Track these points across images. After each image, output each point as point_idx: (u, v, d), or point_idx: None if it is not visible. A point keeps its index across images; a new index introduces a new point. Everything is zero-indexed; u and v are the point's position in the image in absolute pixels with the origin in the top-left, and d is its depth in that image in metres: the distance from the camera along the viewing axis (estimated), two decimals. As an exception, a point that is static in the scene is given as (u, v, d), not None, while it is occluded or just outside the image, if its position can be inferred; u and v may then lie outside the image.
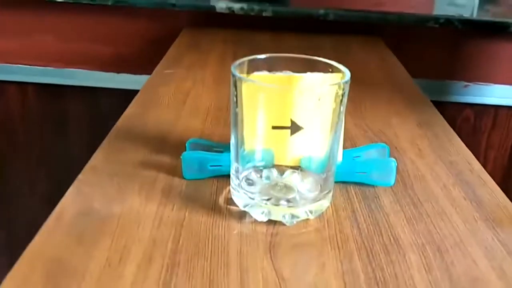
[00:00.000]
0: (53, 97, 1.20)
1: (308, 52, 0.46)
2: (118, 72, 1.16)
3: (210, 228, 0.41)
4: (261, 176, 0.44)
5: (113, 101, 1.17)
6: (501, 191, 0.48)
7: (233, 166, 0.43)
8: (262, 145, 0.43)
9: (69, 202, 0.43)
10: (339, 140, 0.43)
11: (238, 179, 0.43)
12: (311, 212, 0.42)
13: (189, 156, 0.47)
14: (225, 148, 0.49)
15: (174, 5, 1.05)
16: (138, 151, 0.52)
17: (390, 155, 0.51)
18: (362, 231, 0.41)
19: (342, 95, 0.39)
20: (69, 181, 0.46)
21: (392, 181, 0.47)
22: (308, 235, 0.40)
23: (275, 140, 0.42)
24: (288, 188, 0.43)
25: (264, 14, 1.05)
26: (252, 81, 0.39)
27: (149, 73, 0.76)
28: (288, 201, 0.42)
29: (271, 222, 0.41)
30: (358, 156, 0.50)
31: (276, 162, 0.44)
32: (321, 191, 0.42)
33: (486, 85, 1.15)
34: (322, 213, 0.43)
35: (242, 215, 0.42)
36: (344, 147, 0.48)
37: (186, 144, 0.50)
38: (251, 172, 0.44)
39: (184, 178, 0.47)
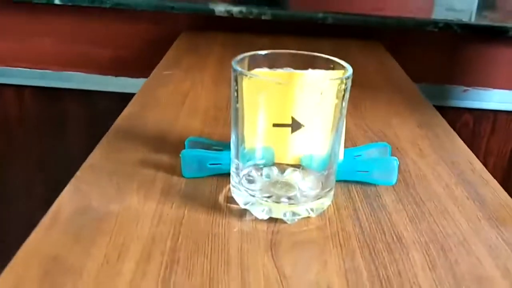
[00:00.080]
0: (50, 100, 1.19)
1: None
2: (116, 76, 1.15)
3: (210, 226, 0.40)
4: (261, 174, 0.43)
5: (111, 105, 1.17)
6: (503, 190, 0.48)
7: (234, 163, 0.42)
8: (263, 143, 0.42)
9: (66, 200, 0.42)
10: (340, 137, 0.42)
11: (239, 176, 0.42)
12: (312, 210, 0.41)
13: (189, 154, 0.47)
14: (225, 146, 0.48)
15: (173, 8, 1.05)
16: (137, 149, 0.51)
17: (391, 155, 0.51)
18: (364, 229, 0.40)
19: (344, 90, 0.38)
20: (67, 184, 0.45)
21: (394, 180, 0.47)
22: (310, 233, 0.40)
23: (275, 138, 0.42)
24: (289, 185, 0.42)
25: (263, 17, 1.05)
26: (253, 75, 0.39)
27: (148, 77, 0.75)
28: (289, 198, 0.41)
29: (272, 220, 0.41)
30: (359, 155, 0.50)
31: (276, 161, 0.43)
32: (322, 189, 0.42)
33: (485, 89, 1.15)
34: (324, 211, 0.42)
35: (242, 213, 0.42)
36: (344, 147, 0.47)
37: (185, 142, 0.50)
38: (251, 170, 0.43)
39: (183, 177, 0.46)
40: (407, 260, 0.37)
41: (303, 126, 0.40)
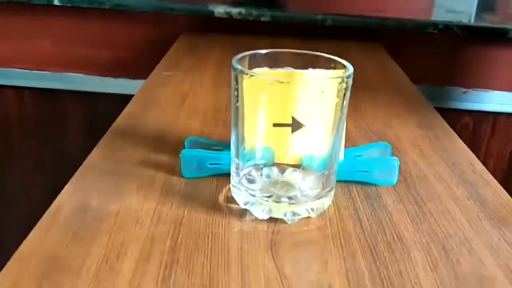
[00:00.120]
0: (50, 101, 1.19)
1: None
2: (116, 77, 1.15)
3: (209, 226, 0.40)
4: (261, 174, 0.43)
5: (110, 106, 1.17)
6: (504, 191, 0.47)
7: (234, 163, 0.42)
8: (263, 143, 0.42)
9: (65, 199, 0.42)
10: (341, 137, 0.42)
11: (239, 176, 0.42)
12: (312, 210, 0.41)
13: (188, 154, 0.46)
14: (225, 146, 0.48)
15: (172, 9, 1.05)
16: (136, 149, 0.51)
17: (392, 155, 0.51)
18: (365, 229, 0.40)
19: (345, 89, 0.38)
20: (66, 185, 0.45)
21: (395, 180, 0.47)
22: (310, 233, 0.39)
23: (275, 138, 0.41)
24: (289, 185, 0.42)
25: (262, 19, 1.05)
26: (253, 73, 0.39)
27: (147, 78, 0.75)
28: (289, 198, 0.41)
29: (272, 220, 0.40)
30: (360, 155, 0.50)
31: (276, 161, 0.43)
32: (322, 188, 0.41)
33: (485, 91, 1.14)
34: (324, 211, 0.42)
35: (242, 213, 0.41)
36: (345, 148, 0.47)
37: (185, 142, 0.49)
38: (251, 170, 0.43)
39: (183, 177, 0.46)
40: (409, 260, 0.37)
41: (304, 126, 0.40)
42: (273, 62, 0.43)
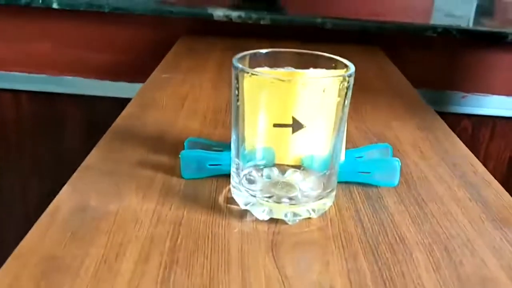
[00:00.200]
0: (48, 105, 1.19)
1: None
2: (114, 80, 1.15)
3: (209, 227, 0.39)
4: (262, 175, 0.42)
5: (108, 110, 1.16)
6: (506, 192, 0.47)
7: (234, 163, 0.42)
8: (263, 143, 0.42)
9: (63, 200, 0.41)
10: (342, 137, 0.42)
11: (239, 176, 0.41)
12: (313, 210, 0.40)
13: (188, 154, 0.46)
14: (225, 147, 0.48)
15: (171, 12, 1.05)
16: (135, 150, 0.50)
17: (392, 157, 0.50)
18: (367, 230, 0.40)
19: (347, 88, 0.38)
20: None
21: (396, 181, 0.46)
22: (311, 233, 0.39)
23: (276, 138, 0.41)
24: (289, 186, 0.42)
25: (262, 22, 1.05)
26: (254, 71, 0.38)
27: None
28: (290, 199, 0.40)
29: (272, 220, 0.40)
30: (361, 157, 0.49)
31: (277, 161, 0.43)
32: (323, 189, 0.41)
33: (484, 95, 1.14)
34: (325, 212, 0.42)
35: (242, 214, 0.41)
36: (345, 149, 0.47)
37: (185, 143, 0.49)
38: (251, 171, 0.42)
39: (183, 178, 0.46)
40: (411, 261, 0.36)
41: (304, 126, 0.40)
42: (273, 61, 0.42)
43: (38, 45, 1.14)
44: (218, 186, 0.45)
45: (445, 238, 0.39)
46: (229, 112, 0.62)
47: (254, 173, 0.42)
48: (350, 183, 0.46)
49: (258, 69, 0.41)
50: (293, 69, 0.42)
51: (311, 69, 0.42)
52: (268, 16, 1.04)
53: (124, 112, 0.60)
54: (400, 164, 0.46)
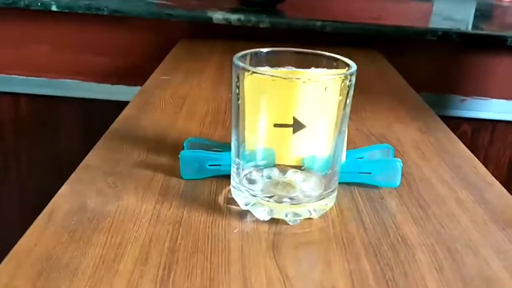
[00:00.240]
0: (46, 108, 1.18)
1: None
2: (113, 84, 1.15)
3: (209, 227, 0.39)
4: (262, 175, 0.42)
5: (107, 113, 1.15)
6: (508, 193, 0.47)
7: (235, 163, 0.41)
8: (263, 144, 0.41)
9: (61, 200, 0.41)
10: (344, 137, 0.42)
11: (239, 176, 0.41)
12: (314, 210, 0.40)
13: (187, 155, 0.45)
14: (225, 147, 0.47)
15: (171, 15, 1.05)
16: (135, 150, 0.50)
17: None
18: (369, 231, 0.39)
19: (349, 87, 0.37)
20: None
21: (398, 182, 0.46)
22: (312, 234, 0.39)
23: (276, 139, 0.41)
24: (290, 186, 0.41)
25: (261, 25, 1.05)
26: (255, 70, 0.38)
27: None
28: (290, 199, 0.40)
29: (273, 221, 0.40)
30: (362, 157, 0.49)
31: (277, 162, 0.42)
32: (325, 189, 0.41)
33: (484, 99, 1.14)
34: (326, 213, 0.41)
35: (243, 214, 0.41)
36: (346, 150, 0.46)
37: (184, 143, 0.48)
38: (252, 171, 0.42)
39: (182, 178, 0.45)
40: (413, 261, 0.36)
41: (305, 126, 0.39)
42: (274, 61, 0.42)
43: (36, 48, 1.13)
44: (217, 186, 0.45)
45: (447, 239, 0.39)
46: (228, 114, 0.62)
47: (254, 173, 0.42)
48: (351, 184, 0.46)
49: (258, 69, 0.41)
50: (294, 69, 0.42)
51: (313, 69, 0.41)
52: (267, 19, 1.04)
53: (123, 113, 0.60)
54: (401, 164, 0.46)
